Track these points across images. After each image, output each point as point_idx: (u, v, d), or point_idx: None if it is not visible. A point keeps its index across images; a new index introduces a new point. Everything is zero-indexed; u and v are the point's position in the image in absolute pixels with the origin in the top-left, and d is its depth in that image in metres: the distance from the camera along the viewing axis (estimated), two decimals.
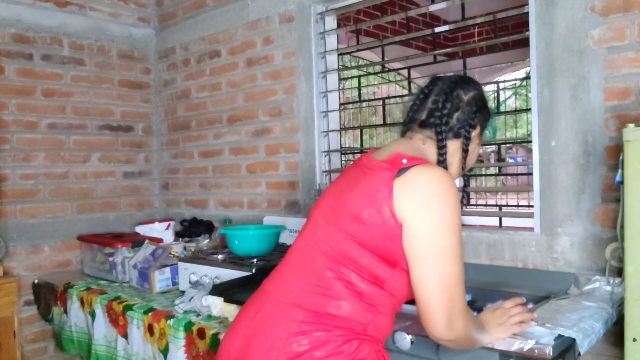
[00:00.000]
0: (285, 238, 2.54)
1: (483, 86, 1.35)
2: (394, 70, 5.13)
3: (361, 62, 5.15)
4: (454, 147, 1.28)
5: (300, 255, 1.24)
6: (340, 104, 2.85)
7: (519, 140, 5.61)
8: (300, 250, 1.25)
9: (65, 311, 2.69)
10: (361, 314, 1.13)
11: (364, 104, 4.12)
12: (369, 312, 1.14)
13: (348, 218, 1.15)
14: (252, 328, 1.19)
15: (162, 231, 2.99)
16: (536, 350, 1.22)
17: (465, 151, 1.28)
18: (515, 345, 1.24)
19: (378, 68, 5.48)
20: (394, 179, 1.11)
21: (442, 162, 1.25)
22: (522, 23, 2.08)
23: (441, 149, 1.25)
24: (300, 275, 1.19)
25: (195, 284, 2.18)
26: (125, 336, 2.27)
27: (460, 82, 1.30)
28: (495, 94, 5.05)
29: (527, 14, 1.92)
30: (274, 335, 1.13)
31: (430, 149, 1.27)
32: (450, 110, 1.26)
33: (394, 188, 1.11)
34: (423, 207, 1.09)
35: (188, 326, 1.96)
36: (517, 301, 1.36)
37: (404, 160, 1.14)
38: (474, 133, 1.29)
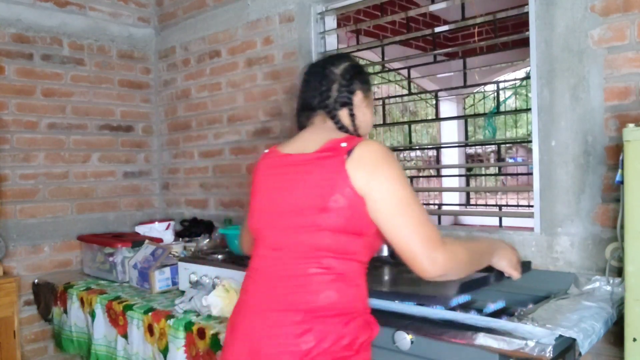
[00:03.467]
0: None
1: (357, 59, 1.50)
2: (394, 70, 5.13)
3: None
4: (345, 115, 1.38)
5: (274, 269, 1.27)
6: None
7: (519, 140, 5.61)
8: (270, 265, 1.28)
9: (65, 311, 2.69)
10: (348, 294, 1.23)
11: None
12: (352, 288, 1.24)
13: (313, 212, 1.21)
14: (257, 339, 1.23)
15: (162, 231, 2.99)
16: (536, 350, 1.22)
17: (352, 115, 1.38)
18: (515, 345, 1.24)
19: (378, 68, 5.47)
20: (345, 162, 1.21)
21: (342, 128, 1.36)
22: (522, 23, 2.07)
23: (334, 118, 1.37)
24: (282, 284, 1.24)
25: (195, 284, 2.18)
26: (125, 336, 2.27)
27: (330, 60, 1.44)
28: (495, 94, 5.05)
29: (527, 14, 1.92)
30: (280, 341, 1.19)
31: (333, 125, 1.37)
32: (328, 86, 1.38)
33: (348, 170, 1.20)
34: (376, 175, 1.20)
35: (188, 326, 1.96)
36: None
37: (343, 144, 1.24)
38: (357, 98, 1.39)
